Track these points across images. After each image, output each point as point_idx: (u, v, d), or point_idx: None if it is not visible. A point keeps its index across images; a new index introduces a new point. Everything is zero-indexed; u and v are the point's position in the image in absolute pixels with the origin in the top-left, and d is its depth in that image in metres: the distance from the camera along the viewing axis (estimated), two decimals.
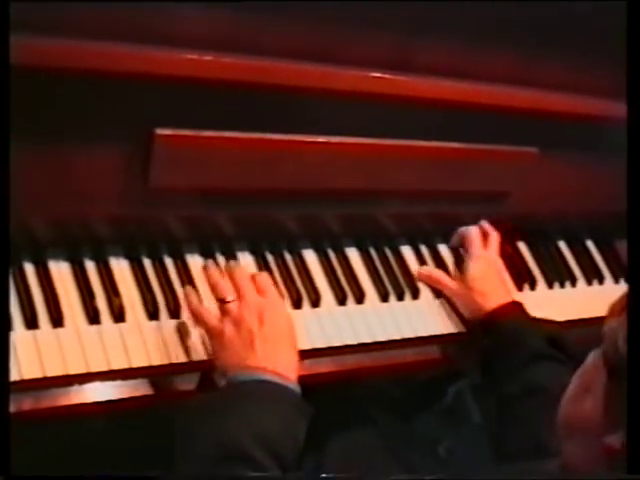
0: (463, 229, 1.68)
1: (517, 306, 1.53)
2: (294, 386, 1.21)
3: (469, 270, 1.59)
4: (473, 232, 1.66)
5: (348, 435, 1.59)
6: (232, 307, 1.25)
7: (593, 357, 0.95)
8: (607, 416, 0.90)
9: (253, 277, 1.31)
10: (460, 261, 1.67)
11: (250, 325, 1.23)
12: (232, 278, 1.30)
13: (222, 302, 1.26)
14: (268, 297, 1.29)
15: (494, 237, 1.66)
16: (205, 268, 1.35)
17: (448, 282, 1.60)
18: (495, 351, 1.48)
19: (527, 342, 1.46)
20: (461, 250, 1.69)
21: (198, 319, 1.28)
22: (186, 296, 1.32)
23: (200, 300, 1.31)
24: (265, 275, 1.35)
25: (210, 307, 1.29)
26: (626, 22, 1.24)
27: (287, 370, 1.22)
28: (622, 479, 0.87)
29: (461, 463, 2.04)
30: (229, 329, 1.23)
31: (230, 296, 1.26)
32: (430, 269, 1.63)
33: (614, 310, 0.93)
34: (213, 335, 1.25)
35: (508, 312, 1.51)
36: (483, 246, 1.64)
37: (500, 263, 1.65)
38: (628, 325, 0.85)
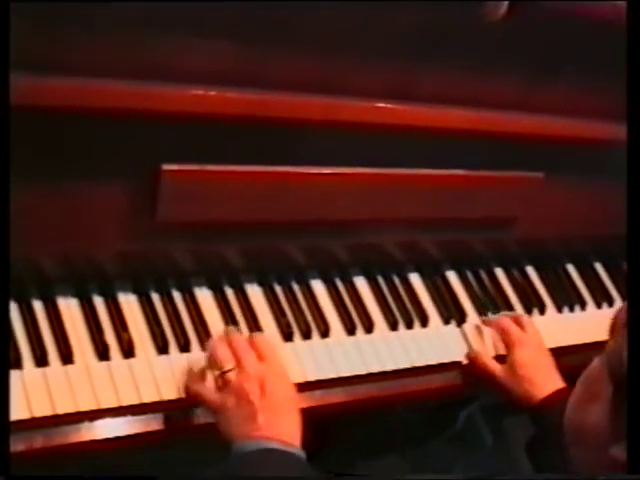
0: (491, 322, 1.65)
1: (567, 392, 1.49)
2: (299, 451, 1.19)
3: (516, 357, 1.54)
4: (504, 320, 1.62)
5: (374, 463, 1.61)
6: (231, 377, 1.23)
7: (598, 365, 0.95)
8: (613, 427, 0.90)
9: (252, 340, 1.30)
10: (470, 289, 1.67)
11: (251, 396, 1.21)
12: (231, 346, 1.28)
13: (221, 372, 1.24)
14: (268, 362, 1.27)
15: (528, 321, 1.64)
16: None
17: (494, 368, 1.55)
18: (545, 440, 1.46)
19: None
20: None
21: (197, 399, 1.27)
22: (186, 376, 1.31)
23: (197, 377, 1.29)
24: (264, 337, 1.34)
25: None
26: (626, 22, 1.24)
27: (291, 437, 1.20)
28: (622, 479, 0.88)
29: None
30: (230, 402, 1.21)
31: (229, 365, 1.25)
32: (477, 353, 1.59)
33: (617, 324, 0.93)
34: (215, 409, 1.23)
35: (559, 400, 1.42)
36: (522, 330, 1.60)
37: (545, 346, 1.61)
38: (628, 336, 0.86)
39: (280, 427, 1.20)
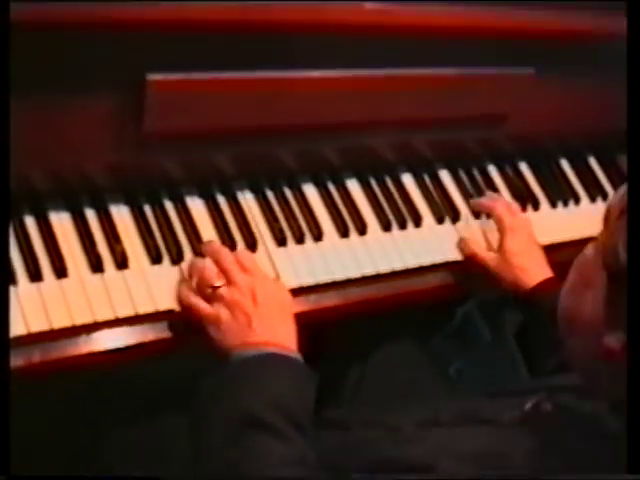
0: (484, 202, 1.65)
1: (557, 281, 1.47)
2: (296, 355, 1.21)
3: (507, 245, 1.54)
4: (498, 205, 1.61)
5: (388, 349, 1.63)
6: (223, 292, 1.25)
7: (592, 253, 0.96)
8: (607, 315, 0.92)
9: (236, 256, 1.31)
10: (463, 188, 1.68)
11: (245, 307, 1.23)
12: (217, 262, 1.29)
13: (212, 288, 1.26)
14: (255, 274, 1.28)
15: (517, 209, 1.65)
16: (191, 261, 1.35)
17: (486, 256, 1.56)
18: (536, 327, 1.49)
19: None
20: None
21: (191, 311, 1.27)
22: (177, 288, 1.31)
23: (191, 289, 1.30)
24: (247, 252, 1.35)
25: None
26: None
27: (287, 341, 1.23)
28: (622, 479, 0.89)
29: (470, 385, 2.06)
30: (225, 314, 1.23)
31: (219, 281, 1.26)
32: (468, 241, 1.59)
33: (610, 213, 0.93)
34: (210, 322, 1.24)
35: (548, 288, 1.45)
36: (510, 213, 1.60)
37: (534, 236, 1.61)
38: (627, 329, 0.85)
39: (276, 333, 1.23)
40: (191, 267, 1.33)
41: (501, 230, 1.57)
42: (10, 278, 1.21)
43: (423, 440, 1.08)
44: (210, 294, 1.26)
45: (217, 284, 1.26)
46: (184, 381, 1.23)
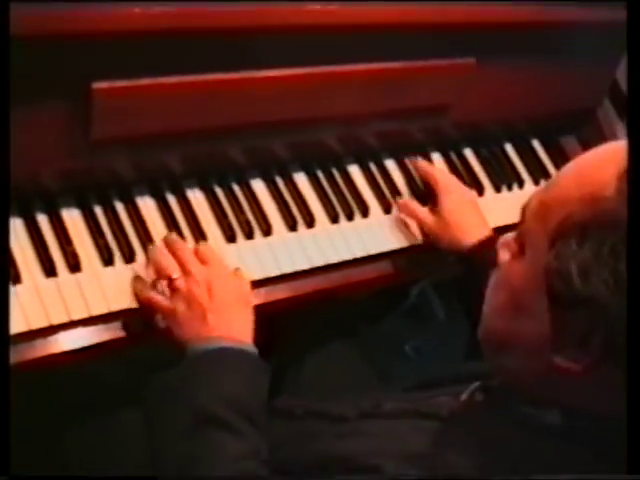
0: (419, 166, 1.70)
1: (495, 241, 1.52)
2: (251, 348, 1.24)
3: (443, 204, 1.58)
4: (430, 168, 1.68)
5: (325, 347, 1.66)
6: (180, 284, 1.27)
7: (523, 275, 0.96)
8: (552, 337, 0.92)
9: (194, 247, 1.35)
10: (409, 176, 1.72)
11: (200, 299, 1.25)
12: (175, 254, 1.32)
13: (169, 280, 1.28)
14: (212, 266, 1.31)
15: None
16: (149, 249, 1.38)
17: (424, 215, 1.59)
18: (476, 284, 1.50)
19: None
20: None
21: (148, 304, 1.31)
22: (133, 283, 1.35)
23: (145, 284, 1.33)
24: (207, 244, 1.39)
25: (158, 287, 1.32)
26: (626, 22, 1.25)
27: (242, 334, 1.25)
28: (622, 479, 0.90)
29: (428, 360, 2.11)
30: (181, 307, 1.26)
31: (176, 273, 1.29)
32: (406, 201, 1.63)
33: (525, 211, 0.95)
34: (166, 315, 1.28)
35: (487, 246, 1.47)
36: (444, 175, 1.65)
37: (471, 192, 1.66)
38: (628, 325, 0.84)
39: (231, 326, 1.25)
40: (148, 258, 1.36)
41: (437, 190, 1.61)
42: None
43: (366, 434, 1.11)
44: (166, 286, 1.29)
45: (174, 276, 1.29)
46: (136, 377, 1.27)
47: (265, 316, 1.34)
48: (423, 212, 1.60)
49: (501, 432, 1.01)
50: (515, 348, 0.99)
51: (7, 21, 1.04)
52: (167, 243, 1.36)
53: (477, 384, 1.14)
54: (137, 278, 1.35)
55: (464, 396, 1.13)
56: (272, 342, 1.44)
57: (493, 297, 1.03)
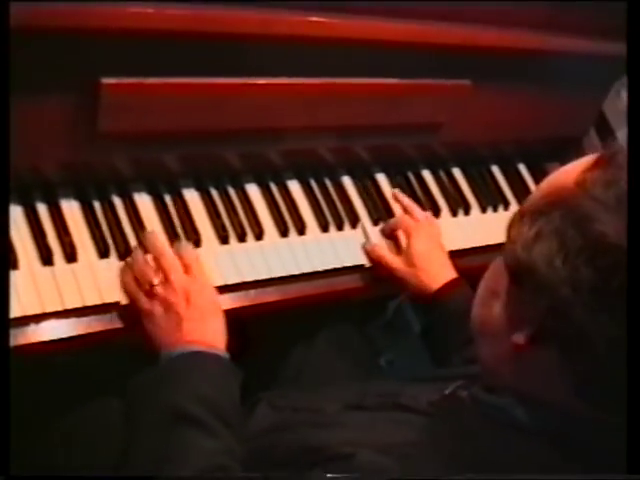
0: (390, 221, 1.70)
1: (459, 282, 1.56)
2: (223, 353, 1.27)
3: (410, 247, 1.61)
4: (400, 217, 1.69)
5: (326, 335, 1.72)
6: (159, 290, 1.31)
7: (496, 263, 1.02)
8: (512, 317, 0.97)
9: (178, 251, 1.38)
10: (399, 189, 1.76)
11: (177, 308, 1.29)
12: (157, 259, 1.36)
13: (150, 285, 1.32)
14: (192, 273, 1.35)
15: (422, 213, 1.71)
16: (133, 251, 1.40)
17: (391, 261, 1.61)
18: (440, 328, 1.55)
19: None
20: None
21: (131, 299, 1.34)
22: (120, 275, 1.38)
23: (133, 278, 1.36)
24: (190, 248, 1.42)
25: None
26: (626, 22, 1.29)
27: (215, 340, 1.29)
28: (622, 479, 0.93)
29: (401, 374, 2.14)
30: (158, 311, 1.30)
31: (156, 279, 1.32)
32: (374, 246, 1.64)
33: (514, 219, 0.98)
34: (144, 316, 1.31)
35: (451, 291, 1.54)
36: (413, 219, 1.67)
37: (438, 232, 1.68)
38: (627, 325, 0.87)
39: (205, 332, 1.29)
40: (132, 259, 1.39)
41: (405, 234, 1.64)
42: None
43: (343, 425, 1.14)
44: (148, 290, 1.33)
45: (154, 282, 1.32)
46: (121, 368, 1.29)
47: (239, 321, 1.37)
48: (391, 258, 1.62)
49: (472, 427, 1.05)
50: (488, 333, 1.04)
51: (7, 19, 1.07)
52: (151, 246, 1.39)
53: (462, 382, 1.17)
54: (126, 270, 1.38)
55: (447, 391, 1.17)
56: (245, 346, 1.46)
57: (479, 288, 1.08)
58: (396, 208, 1.73)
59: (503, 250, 0.99)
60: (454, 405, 1.13)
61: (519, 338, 0.95)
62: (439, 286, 1.55)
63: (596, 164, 0.93)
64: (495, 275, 1.02)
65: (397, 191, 1.76)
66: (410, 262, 1.59)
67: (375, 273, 1.64)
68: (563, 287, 0.89)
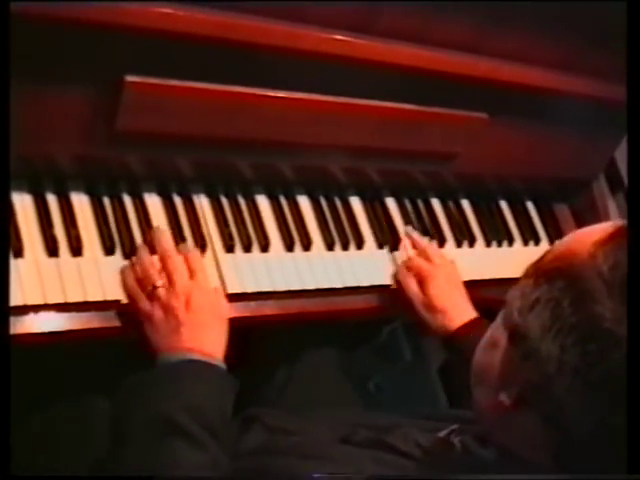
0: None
1: (478, 322, 1.56)
2: (220, 363, 1.26)
3: (429, 290, 1.60)
4: (414, 259, 1.68)
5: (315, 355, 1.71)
6: (161, 293, 1.31)
7: (500, 316, 1.01)
8: (503, 374, 0.98)
9: (184, 255, 1.38)
10: (407, 217, 1.76)
11: (177, 312, 1.29)
12: (164, 261, 1.36)
13: (152, 287, 1.32)
14: (197, 278, 1.35)
15: (436, 252, 1.71)
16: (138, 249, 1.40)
17: (414, 294, 1.61)
18: (457, 369, 1.51)
19: None
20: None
21: (131, 299, 1.34)
22: (122, 274, 1.37)
23: (135, 277, 1.35)
24: (196, 253, 1.42)
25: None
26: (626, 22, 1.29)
27: (213, 349, 1.28)
28: (622, 479, 0.93)
29: (387, 400, 2.13)
30: (158, 314, 1.29)
31: (159, 281, 1.32)
32: (405, 274, 1.65)
33: (524, 273, 0.98)
34: (143, 317, 1.31)
35: (469, 331, 1.53)
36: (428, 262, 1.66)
37: (455, 271, 1.68)
38: (628, 321, 0.86)
39: (203, 340, 1.28)
40: (137, 258, 1.38)
41: (421, 279, 1.63)
42: None
43: (331, 459, 1.12)
44: (149, 291, 1.32)
45: (157, 284, 1.32)
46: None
47: (240, 331, 1.37)
48: (414, 291, 1.62)
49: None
50: (484, 382, 1.03)
51: (7, 17, 1.06)
52: (158, 247, 1.39)
53: (457, 426, 1.17)
54: (128, 268, 1.38)
55: (443, 433, 1.16)
56: (246, 357, 1.46)
57: (487, 332, 1.07)
58: (407, 244, 1.73)
59: (504, 304, 0.99)
60: (445, 451, 1.12)
61: (504, 397, 0.96)
62: (457, 326, 1.55)
63: (611, 237, 0.91)
64: (496, 327, 1.02)
65: (410, 229, 1.76)
66: (430, 302, 1.59)
67: (393, 296, 1.65)
68: (549, 363, 0.89)
